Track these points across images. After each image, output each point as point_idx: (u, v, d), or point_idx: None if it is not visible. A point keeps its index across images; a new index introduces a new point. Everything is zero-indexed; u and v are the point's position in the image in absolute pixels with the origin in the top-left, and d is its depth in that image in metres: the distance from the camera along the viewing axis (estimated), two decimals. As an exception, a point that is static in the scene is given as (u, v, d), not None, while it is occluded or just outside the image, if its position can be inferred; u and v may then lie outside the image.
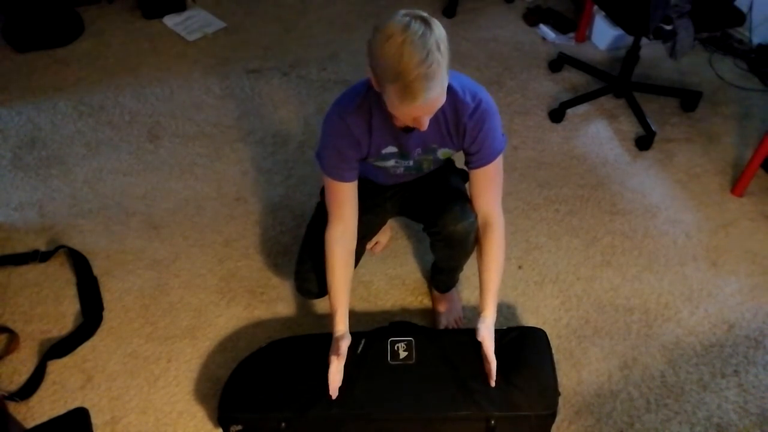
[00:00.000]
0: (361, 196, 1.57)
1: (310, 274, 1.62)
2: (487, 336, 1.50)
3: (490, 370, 1.49)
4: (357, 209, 1.54)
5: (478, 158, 1.48)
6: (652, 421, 1.66)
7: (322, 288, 1.63)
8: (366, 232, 1.70)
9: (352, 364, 1.54)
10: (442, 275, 1.83)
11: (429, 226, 1.62)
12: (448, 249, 1.62)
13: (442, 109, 1.38)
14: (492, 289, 1.53)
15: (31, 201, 2.22)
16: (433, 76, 1.17)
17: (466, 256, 1.67)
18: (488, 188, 1.54)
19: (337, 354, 1.48)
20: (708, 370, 1.77)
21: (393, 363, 1.56)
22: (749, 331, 1.86)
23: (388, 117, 1.39)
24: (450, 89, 1.37)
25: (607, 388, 1.73)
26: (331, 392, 1.48)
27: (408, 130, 1.43)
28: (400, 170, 1.58)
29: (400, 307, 1.93)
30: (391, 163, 1.53)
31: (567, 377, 1.74)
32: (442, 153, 1.52)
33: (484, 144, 1.45)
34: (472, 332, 1.54)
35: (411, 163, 1.54)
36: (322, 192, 1.78)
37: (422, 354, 1.57)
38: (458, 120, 1.41)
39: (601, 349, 1.82)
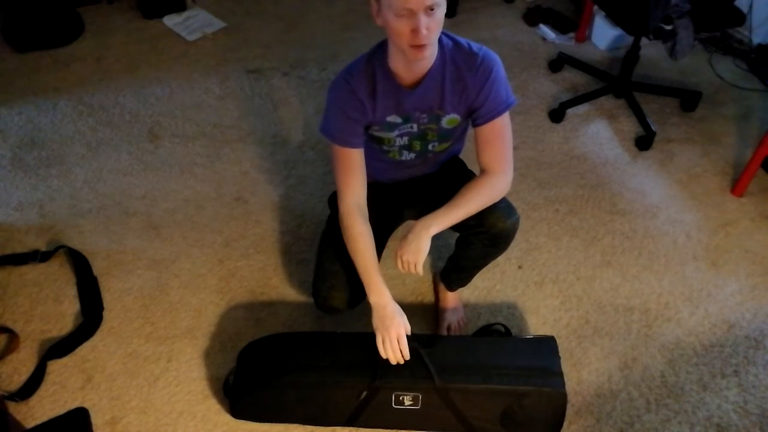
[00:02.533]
0: (373, 209, 1.54)
1: (332, 291, 1.56)
2: (416, 247, 1.42)
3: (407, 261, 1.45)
4: (365, 179, 1.52)
5: (484, 112, 1.44)
6: (652, 421, 1.66)
7: (351, 300, 1.57)
8: (379, 245, 1.61)
9: (352, 409, 1.53)
10: (462, 273, 1.76)
11: (471, 228, 1.55)
12: (490, 247, 1.57)
13: (443, 64, 1.41)
14: (455, 205, 1.44)
15: (31, 201, 2.22)
16: None
17: (500, 253, 1.63)
18: (494, 143, 1.47)
19: (392, 332, 1.43)
20: (708, 370, 1.77)
21: (396, 407, 1.52)
22: (749, 331, 1.86)
23: (391, 78, 1.41)
24: (455, 42, 1.42)
25: (607, 388, 1.73)
26: (393, 360, 1.46)
27: (412, 87, 1.43)
28: (406, 145, 1.55)
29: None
30: (395, 132, 1.51)
31: (567, 377, 1.73)
32: (446, 121, 1.50)
33: (490, 95, 1.43)
34: (482, 391, 1.49)
35: (415, 128, 1.51)
36: (330, 201, 1.76)
37: (428, 405, 1.51)
38: (464, 71, 1.41)
39: (601, 349, 1.82)
